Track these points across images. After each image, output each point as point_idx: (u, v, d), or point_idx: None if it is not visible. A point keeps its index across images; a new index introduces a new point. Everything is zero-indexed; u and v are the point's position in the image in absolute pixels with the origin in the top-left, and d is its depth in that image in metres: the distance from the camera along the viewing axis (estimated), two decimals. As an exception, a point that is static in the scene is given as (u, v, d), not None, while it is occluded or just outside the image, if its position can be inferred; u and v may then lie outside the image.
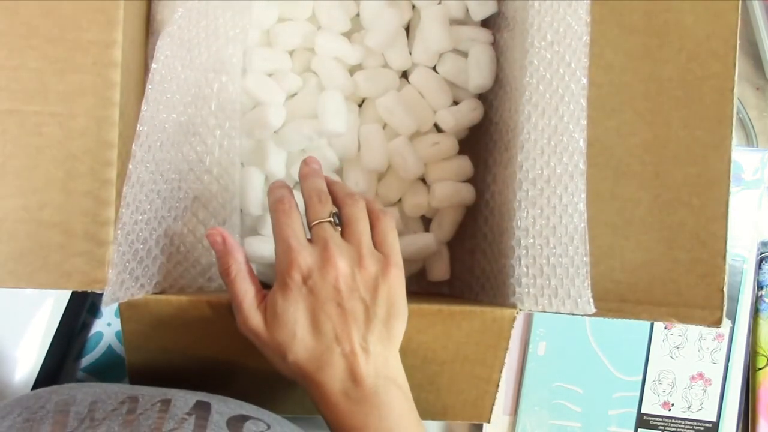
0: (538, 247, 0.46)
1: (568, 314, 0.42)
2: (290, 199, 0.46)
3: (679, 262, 0.47)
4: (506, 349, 0.50)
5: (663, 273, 0.47)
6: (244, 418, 0.41)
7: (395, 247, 0.47)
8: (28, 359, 0.58)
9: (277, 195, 0.46)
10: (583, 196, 0.39)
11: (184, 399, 0.41)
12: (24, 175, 0.46)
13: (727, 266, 0.46)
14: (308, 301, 0.43)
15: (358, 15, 0.60)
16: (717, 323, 0.46)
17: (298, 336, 0.43)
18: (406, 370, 0.45)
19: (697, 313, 0.47)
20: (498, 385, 0.52)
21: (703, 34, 0.46)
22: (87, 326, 0.64)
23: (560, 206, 0.43)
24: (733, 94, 0.46)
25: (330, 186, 0.48)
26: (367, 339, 0.43)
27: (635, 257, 0.47)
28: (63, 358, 0.62)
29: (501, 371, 0.51)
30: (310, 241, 0.45)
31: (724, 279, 0.46)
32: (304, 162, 0.49)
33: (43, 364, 0.58)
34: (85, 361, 0.64)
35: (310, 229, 0.46)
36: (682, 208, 0.46)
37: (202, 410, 0.40)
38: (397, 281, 0.45)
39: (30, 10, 0.47)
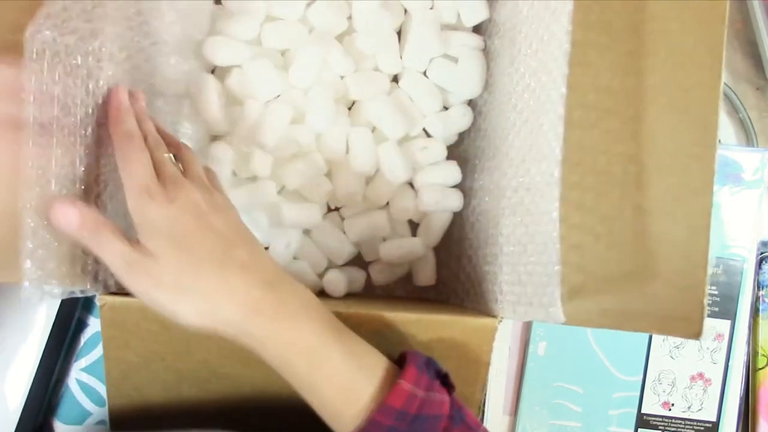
0: (517, 255, 0.45)
1: (542, 322, 0.41)
2: (139, 136, 0.44)
3: (660, 273, 0.46)
4: (488, 364, 0.50)
5: (644, 283, 0.46)
6: None
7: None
8: (25, 358, 0.58)
9: (125, 127, 0.44)
10: (557, 204, 0.39)
11: None
12: (14, 170, 0.46)
13: (707, 278, 0.46)
14: (176, 229, 0.41)
15: (349, 18, 0.60)
16: (696, 335, 0.46)
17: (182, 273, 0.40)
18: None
19: (677, 325, 0.46)
20: (480, 406, 0.51)
21: (690, 44, 0.46)
22: (86, 326, 0.64)
23: (537, 214, 0.43)
24: (718, 105, 0.46)
25: (158, 129, 0.47)
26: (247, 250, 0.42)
27: (617, 267, 0.47)
28: (59, 357, 0.62)
29: (483, 390, 0.51)
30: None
31: (704, 291, 0.46)
32: (118, 97, 0.45)
33: (40, 363, 0.58)
34: (85, 361, 0.64)
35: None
36: (665, 218, 0.46)
37: None
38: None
39: (19, 5, 0.47)
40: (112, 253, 0.40)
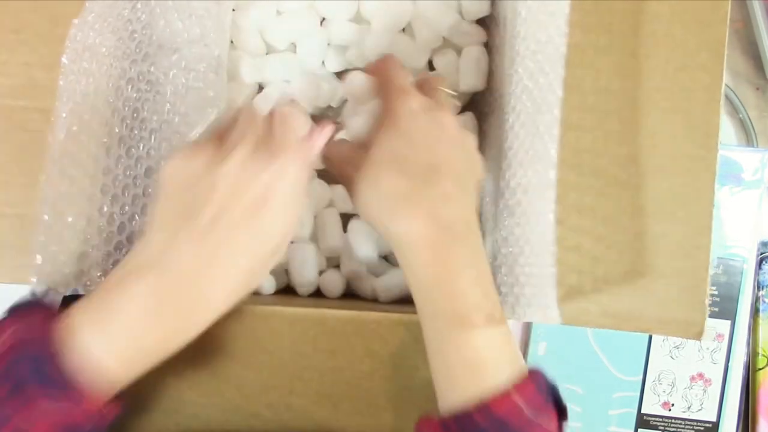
0: (515, 256, 0.45)
1: (541, 323, 0.42)
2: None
3: (661, 273, 0.46)
4: None
5: (646, 284, 0.46)
6: None
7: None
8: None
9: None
10: (553, 206, 0.39)
11: None
12: (9, 170, 0.47)
13: (709, 278, 0.46)
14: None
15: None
16: (698, 336, 0.46)
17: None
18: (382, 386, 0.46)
19: (680, 325, 0.46)
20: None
21: (692, 46, 0.46)
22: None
23: (534, 216, 0.43)
24: (719, 107, 0.46)
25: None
26: None
27: (618, 267, 0.47)
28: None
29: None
30: None
31: (706, 291, 0.46)
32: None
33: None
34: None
35: None
36: (666, 219, 0.46)
37: None
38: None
39: (20, 5, 0.47)
40: None
